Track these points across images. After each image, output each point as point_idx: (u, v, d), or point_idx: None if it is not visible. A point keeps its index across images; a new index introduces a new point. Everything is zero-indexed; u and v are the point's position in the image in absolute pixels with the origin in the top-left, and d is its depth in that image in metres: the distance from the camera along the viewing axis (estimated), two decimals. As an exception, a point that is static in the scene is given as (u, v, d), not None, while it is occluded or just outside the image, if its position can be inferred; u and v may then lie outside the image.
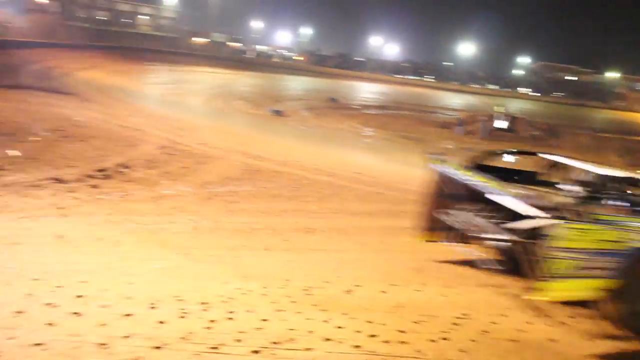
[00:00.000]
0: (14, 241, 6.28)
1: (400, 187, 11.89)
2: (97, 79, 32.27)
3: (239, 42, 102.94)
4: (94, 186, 9.10)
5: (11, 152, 10.82)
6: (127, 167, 10.66)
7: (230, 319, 4.94)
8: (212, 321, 4.83)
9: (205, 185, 9.93)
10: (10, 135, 12.52)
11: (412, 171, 14.43)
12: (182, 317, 4.88)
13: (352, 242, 7.77)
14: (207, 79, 45.88)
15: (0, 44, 45.09)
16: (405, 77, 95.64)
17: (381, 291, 5.98)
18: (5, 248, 6.04)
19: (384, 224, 8.86)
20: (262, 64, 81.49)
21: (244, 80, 47.95)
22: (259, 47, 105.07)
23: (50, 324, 4.51)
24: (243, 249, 6.87)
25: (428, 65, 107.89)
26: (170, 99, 27.45)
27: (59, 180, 9.13)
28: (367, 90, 57.18)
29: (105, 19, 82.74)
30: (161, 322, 4.73)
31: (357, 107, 35.83)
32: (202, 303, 5.16)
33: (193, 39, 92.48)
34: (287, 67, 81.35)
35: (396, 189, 11.71)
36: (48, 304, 4.83)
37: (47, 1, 75.65)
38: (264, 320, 4.97)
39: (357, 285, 6.03)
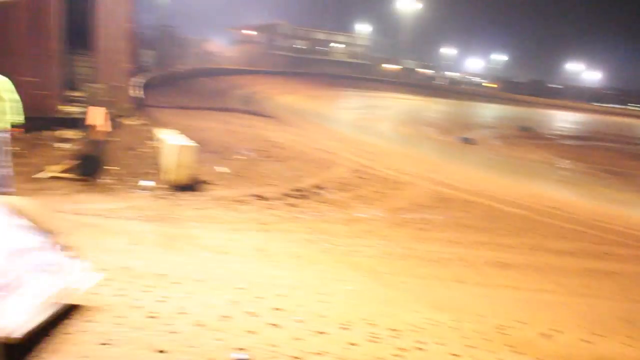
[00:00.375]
0: (222, 250, 6.84)
1: (603, 226, 10.92)
2: (294, 103, 34.30)
3: (430, 69, 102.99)
4: (292, 205, 9.59)
5: (220, 169, 11.84)
6: (321, 188, 11.09)
7: (419, 349, 4.85)
8: (401, 349, 4.79)
9: (397, 210, 9.96)
10: (219, 153, 13.72)
11: (616, 209, 13.23)
12: (372, 341, 4.90)
13: (550, 282, 7.25)
14: (396, 104, 46.47)
15: (214, 72, 50.04)
16: (608, 105, 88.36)
17: (583, 340, 5.50)
18: (215, 256, 6.59)
19: (586, 266, 8.17)
20: (452, 90, 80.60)
21: (433, 107, 47.80)
22: (449, 74, 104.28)
23: (251, 332, 4.78)
24: (434, 279, 6.75)
25: (635, 93, 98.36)
26: (360, 123, 28.20)
27: (260, 197, 9.77)
28: (563, 119, 53.79)
29: (303, 47, 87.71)
30: (352, 344, 4.78)
31: (553, 136, 33.78)
32: (392, 330, 5.14)
33: (384, 65, 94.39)
34: (478, 94, 79.46)
35: (598, 228, 10.76)
36: (249, 313, 5.14)
37: (254, 33, 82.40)
38: (455, 355, 4.81)
39: (556, 330, 5.60)
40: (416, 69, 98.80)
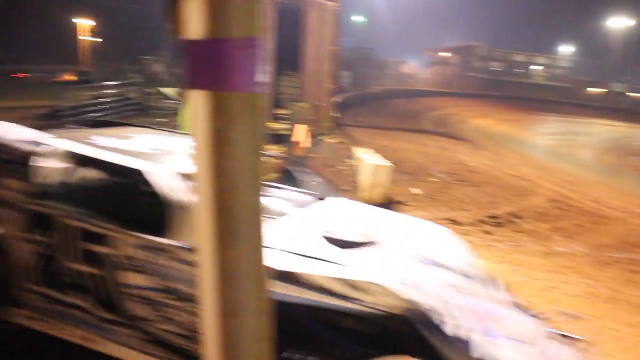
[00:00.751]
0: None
1: None
2: (488, 126, 33.41)
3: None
4: (486, 232, 9.33)
5: (413, 190, 11.93)
6: (517, 217, 10.64)
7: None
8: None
9: (601, 248, 9.19)
10: (412, 174, 13.84)
11: None
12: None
13: None
14: (600, 131, 42.97)
15: (408, 93, 50.65)
16: None
17: None
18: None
19: None
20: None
21: (644, 135, 43.39)
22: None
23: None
24: (648, 329, 6.13)
25: None
26: (559, 150, 26.58)
27: (454, 222, 9.65)
28: None
29: (499, 69, 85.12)
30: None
31: None
32: (597, 379, 4.77)
33: (588, 89, 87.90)
34: None
35: None
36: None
37: (449, 55, 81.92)
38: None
39: None
40: (626, 93, 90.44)
